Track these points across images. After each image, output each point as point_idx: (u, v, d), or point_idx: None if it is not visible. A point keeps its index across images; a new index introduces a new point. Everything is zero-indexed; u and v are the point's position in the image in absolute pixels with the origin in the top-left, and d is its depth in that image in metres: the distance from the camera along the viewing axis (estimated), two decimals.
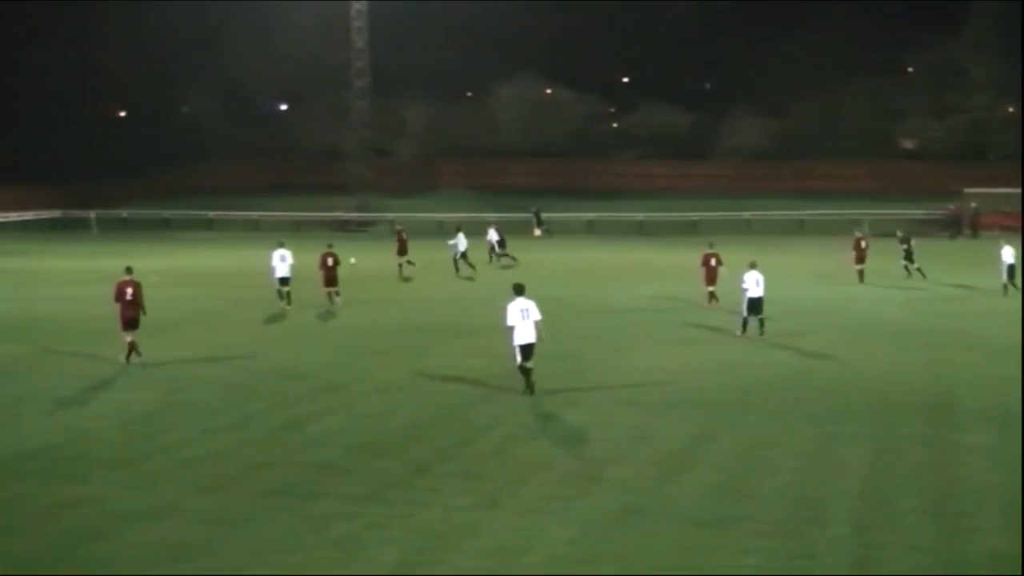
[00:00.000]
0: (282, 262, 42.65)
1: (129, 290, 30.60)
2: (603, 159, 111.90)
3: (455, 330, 36.32)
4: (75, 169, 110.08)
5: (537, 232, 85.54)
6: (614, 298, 45.32)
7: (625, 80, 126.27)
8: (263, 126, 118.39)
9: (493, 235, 62.60)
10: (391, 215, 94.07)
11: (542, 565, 15.28)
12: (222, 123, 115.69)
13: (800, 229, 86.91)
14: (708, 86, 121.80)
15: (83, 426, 23.29)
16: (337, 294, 43.29)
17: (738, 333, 34.65)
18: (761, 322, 34.68)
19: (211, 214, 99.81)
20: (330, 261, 43.30)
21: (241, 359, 31.38)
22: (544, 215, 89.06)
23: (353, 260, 47.41)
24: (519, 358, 26.03)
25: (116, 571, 15.01)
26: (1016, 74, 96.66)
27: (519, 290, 26.26)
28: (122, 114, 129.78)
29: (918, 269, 50.55)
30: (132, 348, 30.44)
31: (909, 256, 50.98)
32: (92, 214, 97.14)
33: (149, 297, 31.52)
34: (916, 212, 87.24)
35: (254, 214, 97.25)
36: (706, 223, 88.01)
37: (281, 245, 43.22)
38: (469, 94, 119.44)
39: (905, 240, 51.77)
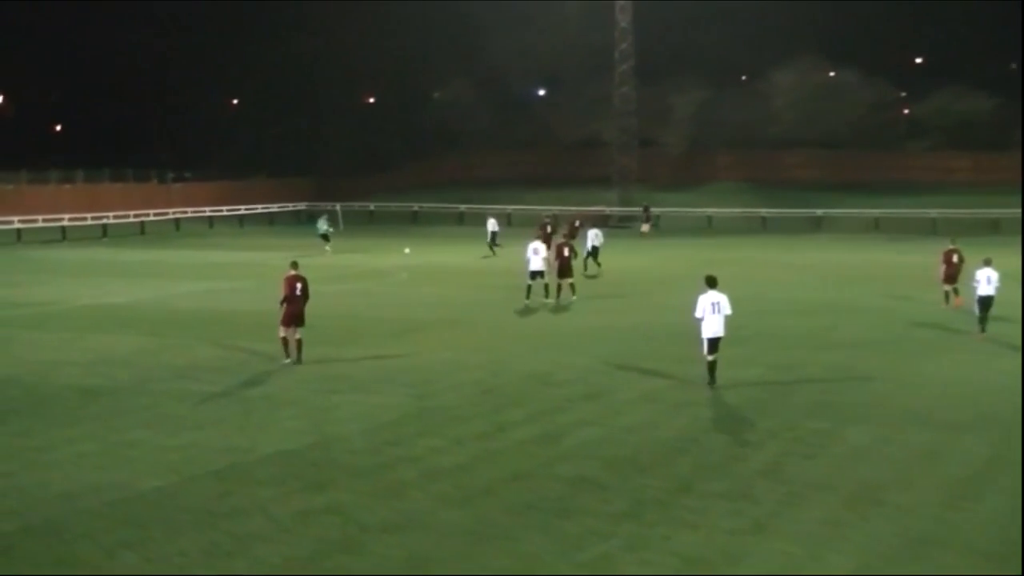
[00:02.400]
0: (535, 255, 44.03)
1: (299, 285, 31.50)
2: (893, 150, 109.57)
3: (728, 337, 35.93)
4: (324, 160, 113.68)
5: (645, 228, 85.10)
6: (899, 304, 44.45)
7: (918, 61, 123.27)
8: (519, 114, 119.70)
9: (493, 225, 68.40)
10: (655, 210, 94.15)
11: None
12: (475, 111, 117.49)
13: None
14: (1015, 66, 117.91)
15: (329, 431, 24.05)
16: (572, 286, 45.07)
17: (977, 337, 35.26)
18: (982, 321, 35.82)
19: (462, 207, 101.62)
20: (566, 251, 44.84)
21: (493, 363, 31.94)
22: (654, 210, 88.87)
23: (407, 250, 48.36)
24: (706, 351, 27.82)
25: None
26: None
27: (712, 283, 28.02)
28: (371, 100, 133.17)
29: None
30: (298, 346, 31.45)
31: None
32: (337, 207, 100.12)
33: (396, 296, 32.35)
34: None
35: (508, 207, 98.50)
36: (1009, 221, 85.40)
37: (538, 238, 44.18)
38: (743, 78, 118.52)
39: None
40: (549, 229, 57.32)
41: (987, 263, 35.76)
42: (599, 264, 55.96)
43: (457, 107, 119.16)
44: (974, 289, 35.97)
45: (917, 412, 25.55)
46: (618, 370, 30.99)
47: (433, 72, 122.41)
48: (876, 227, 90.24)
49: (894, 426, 24.18)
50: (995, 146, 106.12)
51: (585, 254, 55.60)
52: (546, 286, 44.80)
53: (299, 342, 31.58)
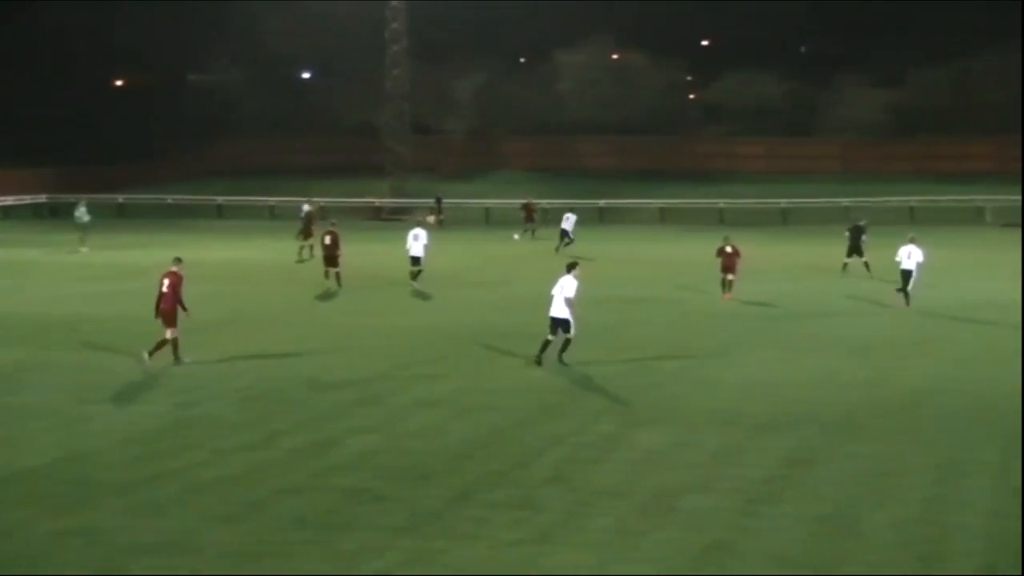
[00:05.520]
0: (415, 241, 48.40)
1: (166, 280, 31.26)
2: (683, 136, 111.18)
3: (525, 335, 35.70)
4: (70, 148, 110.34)
5: (431, 219, 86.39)
6: (696, 300, 45.19)
7: (705, 43, 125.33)
8: (290, 99, 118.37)
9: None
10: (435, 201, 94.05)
11: None
12: (243, 96, 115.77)
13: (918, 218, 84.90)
14: (805, 49, 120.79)
15: (84, 444, 23.55)
16: (337, 275, 47.32)
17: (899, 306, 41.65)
18: (905, 293, 42.37)
19: (219, 199, 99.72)
20: (327, 239, 47.53)
21: (263, 367, 31.60)
22: (441, 202, 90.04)
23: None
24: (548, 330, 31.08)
25: None
26: None
27: (568, 267, 32.03)
28: (118, 83, 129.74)
29: (865, 264, 51.16)
30: (173, 346, 31.18)
31: (856, 248, 51.88)
32: (83, 199, 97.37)
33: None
34: None
35: (271, 199, 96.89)
36: (800, 211, 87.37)
37: (418, 224, 50.39)
38: (522, 60, 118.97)
39: (860, 230, 52.33)
40: (304, 211, 59.56)
41: (911, 240, 42.93)
42: (567, 244, 62.77)
43: (223, 91, 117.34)
44: (897, 264, 42.71)
45: (713, 412, 26.06)
46: (398, 372, 30.93)
47: (195, 51, 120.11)
48: (662, 218, 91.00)
49: (689, 428, 24.65)
50: (788, 132, 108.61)
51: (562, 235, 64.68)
52: (328, 274, 47.51)
53: (170, 343, 31.19)
